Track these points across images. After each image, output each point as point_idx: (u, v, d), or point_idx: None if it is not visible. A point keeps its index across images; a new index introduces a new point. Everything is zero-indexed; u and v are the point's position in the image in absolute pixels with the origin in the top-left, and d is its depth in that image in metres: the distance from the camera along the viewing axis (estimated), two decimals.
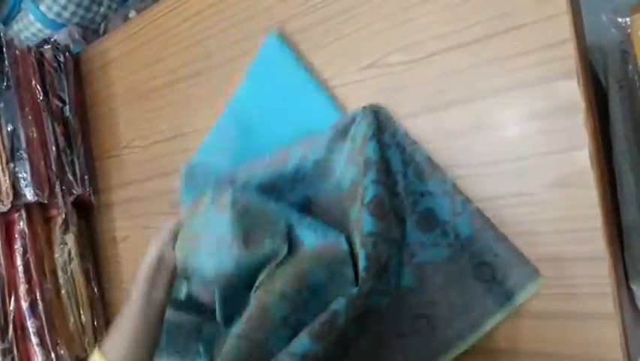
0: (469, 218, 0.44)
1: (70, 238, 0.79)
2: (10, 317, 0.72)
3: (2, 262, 0.73)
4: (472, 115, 0.45)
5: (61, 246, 0.78)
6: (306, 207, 0.53)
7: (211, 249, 0.49)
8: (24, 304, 0.73)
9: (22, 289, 0.73)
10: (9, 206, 0.72)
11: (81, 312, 0.79)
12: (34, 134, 0.74)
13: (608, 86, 0.47)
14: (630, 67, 0.46)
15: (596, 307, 0.39)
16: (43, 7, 0.93)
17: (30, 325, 0.73)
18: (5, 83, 0.73)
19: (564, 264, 0.41)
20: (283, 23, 0.57)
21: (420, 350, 0.46)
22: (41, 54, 0.79)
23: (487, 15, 0.43)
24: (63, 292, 0.78)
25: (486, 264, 0.43)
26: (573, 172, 0.40)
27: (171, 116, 0.71)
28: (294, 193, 0.53)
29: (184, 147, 0.69)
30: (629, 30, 0.45)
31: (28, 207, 0.75)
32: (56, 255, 0.78)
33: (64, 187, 0.78)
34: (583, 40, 0.41)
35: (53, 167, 0.76)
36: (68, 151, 0.79)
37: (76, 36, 0.94)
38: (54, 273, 0.77)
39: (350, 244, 0.46)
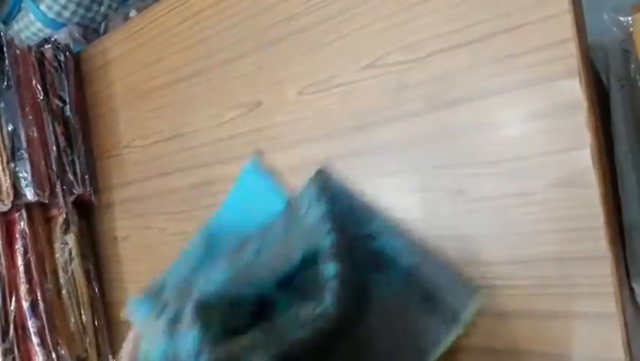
0: (411, 252, 0.46)
1: (70, 238, 0.79)
2: (11, 317, 0.72)
3: (3, 262, 0.73)
4: (472, 115, 0.44)
5: (62, 246, 0.78)
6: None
7: None
8: (25, 304, 0.73)
9: (23, 289, 0.73)
10: (9, 206, 0.72)
11: (82, 312, 0.79)
12: (35, 134, 0.74)
13: (610, 85, 0.47)
14: (632, 66, 0.46)
15: (597, 307, 0.39)
16: (43, 7, 0.93)
17: (31, 325, 0.73)
18: (5, 83, 0.73)
19: (565, 263, 0.41)
20: (283, 23, 0.57)
21: None
22: (42, 54, 0.79)
23: (488, 14, 0.43)
24: (64, 292, 0.78)
25: (430, 294, 0.45)
26: (575, 172, 0.40)
27: (171, 116, 0.70)
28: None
29: (184, 147, 0.69)
30: (630, 29, 0.45)
31: (29, 206, 0.75)
32: (57, 255, 0.78)
33: (64, 187, 0.77)
34: (584, 39, 0.41)
35: (54, 167, 0.76)
36: (69, 151, 0.79)
37: (77, 35, 0.94)
38: (55, 273, 0.77)
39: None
